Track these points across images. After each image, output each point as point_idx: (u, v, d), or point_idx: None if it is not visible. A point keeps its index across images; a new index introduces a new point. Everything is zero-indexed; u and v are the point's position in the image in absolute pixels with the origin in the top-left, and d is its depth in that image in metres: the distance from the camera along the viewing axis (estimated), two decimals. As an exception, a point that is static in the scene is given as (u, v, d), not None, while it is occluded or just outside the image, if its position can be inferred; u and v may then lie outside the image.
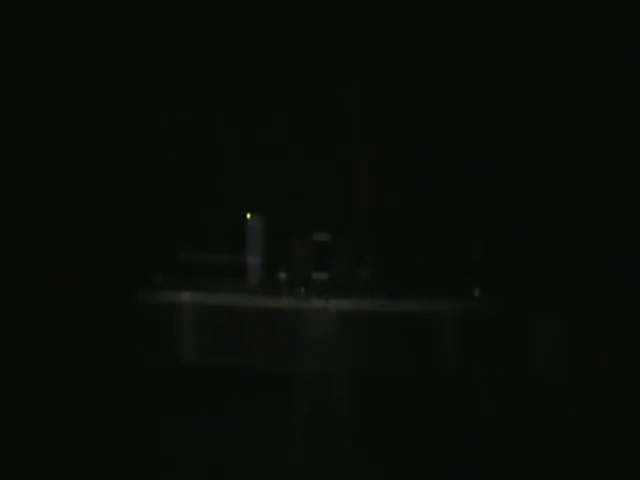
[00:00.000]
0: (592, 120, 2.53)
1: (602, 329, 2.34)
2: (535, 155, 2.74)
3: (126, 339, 2.60)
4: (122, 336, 2.60)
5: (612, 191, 2.47)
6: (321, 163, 2.92)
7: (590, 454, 2.23)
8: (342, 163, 2.93)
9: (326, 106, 2.92)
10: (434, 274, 2.79)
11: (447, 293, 2.68)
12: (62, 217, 2.67)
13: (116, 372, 2.57)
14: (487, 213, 2.83)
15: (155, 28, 2.83)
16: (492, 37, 2.81)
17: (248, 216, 2.76)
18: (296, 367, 2.57)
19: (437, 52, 2.87)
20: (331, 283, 2.73)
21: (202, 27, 2.87)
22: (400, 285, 2.73)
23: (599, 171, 2.50)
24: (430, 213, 2.91)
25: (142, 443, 2.51)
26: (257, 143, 2.92)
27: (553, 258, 2.60)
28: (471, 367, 2.57)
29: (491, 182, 2.84)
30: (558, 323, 2.50)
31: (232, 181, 2.92)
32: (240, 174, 2.91)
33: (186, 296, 2.62)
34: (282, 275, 2.77)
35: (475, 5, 2.82)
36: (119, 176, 2.82)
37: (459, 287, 2.71)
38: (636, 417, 2.19)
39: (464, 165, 2.89)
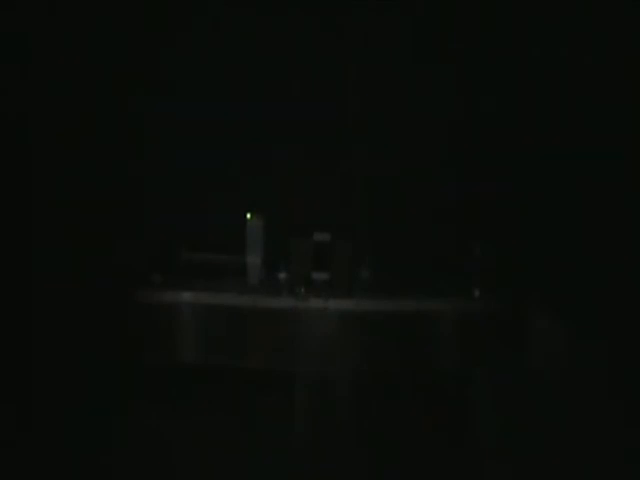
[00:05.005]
0: (596, 120, 2.53)
1: (602, 329, 2.34)
2: (535, 154, 2.74)
3: (126, 339, 2.59)
4: (122, 336, 2.59)
5: (613, 192, 2.47)
6: (321, 163, 2.92)
7: (590, 454, 2.23)
8: (342, 163, 2.93)
9: (326, 106, 2.92)
10: (434, 274, 2.79)
11: (447, 293, 2.68)
12: (61, 217, 2.67)
13: (115, 372, 2.56)
14: (487, 213, 2.83)
15: (160, 25, 2.83)
16: (493, 38, 2.81)
17: (248, 216, 2.76)
18: (296, 367, 2.57)
19: (437, 53, 2.87)
20: (331, 283, 2.73)
21: (207, 28, 2.88)
22: (400, 285, 2.73)
23: (600, 172, 2.50)
24: (430, 213, 2.91)
25: (142, 443, 2.51)
26: (257, 143, 2.92)
27: (553, 258, 2.60)
28: (471, 367, 2.57)
29: (491, 182, 2.84)
30: (558, 323, 2.50)
31: (232, 181, 2.92)
32: (240, 174, 2.91)
33: (186, 296, 2.62)
34: (282, 275, 2.77)
35: (476, 8, 2.83)
36: (119, 176, 2.82)
37: (459, 287, 2.71)
38: (636, 417, 2.20)
39: (464, 165, 2.90)
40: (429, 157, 2.92)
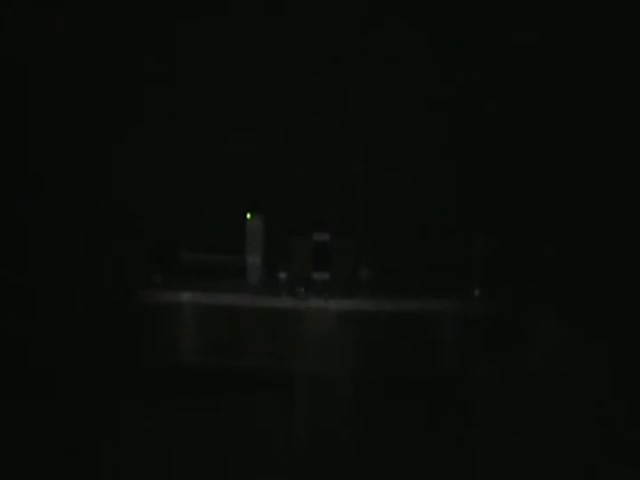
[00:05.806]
0: (596, 119, 2.53)
1: (602, 329, 2.34)
2: (536, 154, 2.74)
3: (126, 339, 2.59)
4: (122, 336, 2.59)
5: (613, 191, 2.47)
6: (321, 163, 2.92)
7: (590, 454, 2.23)
8: (342, 163, 2.93)
9: (326, 106, 2.92)
10: (434, 274, 2.79)
11: (447, 293, 2.67)
12: (61, 217, 2.67)
13: (115, 372, 2.56)
14: (487, 212, 2.83)
15: (160, 24, 2.83)
16: (493, 38, 2.81)
17: (248, 216, 2.76)
18: (296, 367, 2.57)
19: (438, 53, 2.87)
20: (331, 283, 2.73)
21: (204, 28, 2.87)
22: (400, 285, 2.73)
23: (600, 171, 2.50)
24: (430, 213, 2.91)
25: (141, 443, 2.51)
26: (257, 143, 2.92)
27: (553, 258, 2.60)
28: (471, 367, 2.57)
29: (492, 181, 2.84)
30: (558, 323, 2.50)
31: (232, 181, 2.92)
32: (240, 174, 2.91)
33: (186, 296, 2.62)
34: (282, 275, 2.76)
35: (476, 8, 2.83)
36: (119, 176, 2.82)
37: (459, 287, 2.70)
38: (636, 416, 2.20)
39: (464, 164, 2.89)
40: (429, 157, 2.92)
